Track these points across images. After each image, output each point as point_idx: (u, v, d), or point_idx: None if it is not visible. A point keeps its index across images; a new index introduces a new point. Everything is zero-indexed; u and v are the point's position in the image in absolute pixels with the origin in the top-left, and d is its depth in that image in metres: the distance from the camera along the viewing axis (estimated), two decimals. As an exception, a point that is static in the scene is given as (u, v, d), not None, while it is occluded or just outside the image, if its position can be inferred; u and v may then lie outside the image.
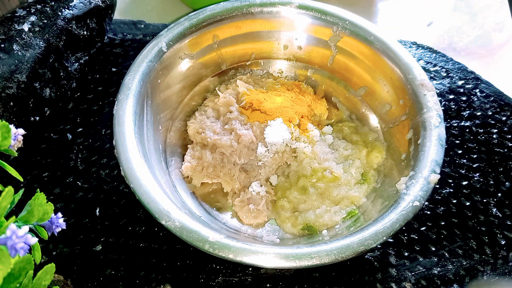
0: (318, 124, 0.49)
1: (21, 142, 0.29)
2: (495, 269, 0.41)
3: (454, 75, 0.55)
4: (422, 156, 0.38)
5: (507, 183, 0.46)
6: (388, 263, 0.41)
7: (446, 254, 0.42)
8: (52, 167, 0.46)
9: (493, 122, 0.50)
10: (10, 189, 0.24)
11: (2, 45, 0.43)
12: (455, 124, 0.50)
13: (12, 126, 0.27)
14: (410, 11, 0.67)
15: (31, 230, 0.26)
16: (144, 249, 0.41)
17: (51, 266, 0.27)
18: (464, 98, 0.53)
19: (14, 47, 0.43)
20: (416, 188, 0.36)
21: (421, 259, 0.41)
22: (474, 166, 0.47)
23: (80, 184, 0.45)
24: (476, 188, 0.46)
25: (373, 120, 0.49)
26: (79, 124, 0.50)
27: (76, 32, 0.49)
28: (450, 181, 0.46)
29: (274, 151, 0.44)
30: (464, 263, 0.41)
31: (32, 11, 0.47)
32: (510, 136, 0.49)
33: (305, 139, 0.46)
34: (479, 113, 0.51)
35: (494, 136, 0.49)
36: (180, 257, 0.41)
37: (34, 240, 0.23)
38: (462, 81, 0.54)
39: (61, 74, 0.47)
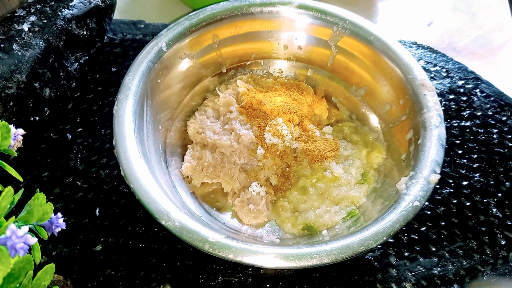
0: (318, 124, 0.49)
1: (21, 142, 0.29)
2: (495, 269, 0.41)
3: (454, 75, 0.55)
4: (422, 156, 0.38)
5: (507, 183, 0.46)
6: (388, 263, 0.41)
7: (446, 254, 0.42)
8: (52, 167, 0.46)
9: (493, 122, 0.50)
10: (10, 189, 0.24)
11: (2, 45, 0.43)
12: (455, 124, 0.50)
13: (12, 126, 0.27)
14: (410, 11, 0.67)
15: (31, 230, 0.26)
16: (144, 249, 0.41)
17: (51, 266, 0.27)
18: (464, 98, 0.53)
19: (14, 47, 0.43)
20: (416, 188, 0.36)
21: (421, 259, 0.41)
22: (474, 166, 0.47)
23: (80, 184, 0.45)
24: (476, 188, 0.46)
25: (373, 120, 0.49)
26: (79, 124, 0.50)
27: (76, 32, 0.49)
28: (450, 181, 0.46)
29: (274, 151, 0.44)
30: (464, 263, 0.41)
31: (32, 11, 0.47)
32: (510, 136, 0.49)
33: (305, 139, 0.46)
34: (479, 113, 0.51)
35: (494, 136, 0.49)
36: (180, 257, 0.41)
37: (33, 240, 0.23)
38: (462, 81, 0.54)
39: (61, 74, 0.47)
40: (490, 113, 0.51)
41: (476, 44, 0.63)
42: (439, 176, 0.37)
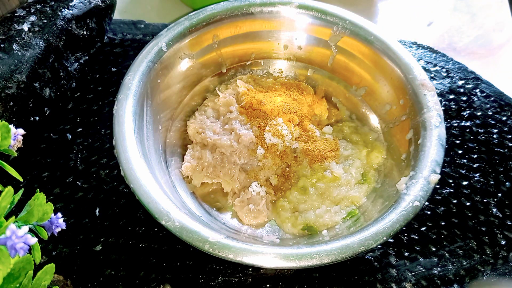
0: (318, 124, 0.49)
1: (21, 142, 0.29)
2: (495, 269, 0.41)
3: (454, 75, 0.55)
4: (422, 156, 0.38)
5: (507, 183, 0.46)
6: (388, 263, 0.41)
7: (446, 254, 0.42)
8: (52, 167, 0.46)
9: (493, 122, 0.50)
10: (10, 189, 0.24)
11: (2, 45, 0.43)
12: (455, 124, 0.50)
13: (12, 126, 0.27)
14: (410, 11, 0.67)
15: (31, 230, 0.26)
16: (144, 249, 0.41)
17: (51, 266, 0.27)
18: (464, 98, 0.53)
19: (14, 47, 0.43)
20: (416, 188, 0.36)
21: (421, 259, 0.41)
22: (474, 166, 0.47)
23: (80, 184, 0.45)
24: (476, 188, 0.46)
25: (373, 120, 0.49)
26: (79, 124, 0.50)
27: (76, 32, 0.49)
28: (450, 181, 0.46)
29: (274, 151, 0.44)
30: (464, 263, 0.41)
31: (32, 11, 0.47)
32: (510, 136, 0.49)
33: (306, 139, 0.46)
34: (479, 113, 0.51)
35: (494, 136, 0.49)
36: (180, 257, 0.41)
37: (33, 240, 0.23)
38: (462, 81, 0.54)
39: (61, 74, 0.47)
40: (490, 113, 0.51)
41: (476, 44, 0.63)
42: (439, 176, 0.37)
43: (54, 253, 0.41)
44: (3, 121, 0.26)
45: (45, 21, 0.46)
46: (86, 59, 0.51)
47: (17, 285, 0.24)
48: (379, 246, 0.42)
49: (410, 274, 0.40)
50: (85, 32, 0.50)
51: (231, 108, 0.47)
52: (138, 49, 0.48)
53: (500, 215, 0.44)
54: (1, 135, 0.26)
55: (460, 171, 0.47)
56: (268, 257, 0.33)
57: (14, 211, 0.26)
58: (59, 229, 0.28)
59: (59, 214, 0.28)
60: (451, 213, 0.44)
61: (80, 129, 0.49)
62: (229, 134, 0.45)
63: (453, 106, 0.52)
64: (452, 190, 0.46)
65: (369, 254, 0.41)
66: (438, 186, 0.46)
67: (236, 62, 0.53)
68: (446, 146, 0.41)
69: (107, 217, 0.43)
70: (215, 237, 0.33)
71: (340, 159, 0.45)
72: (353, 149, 0.46)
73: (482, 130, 0.50)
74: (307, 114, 0.48)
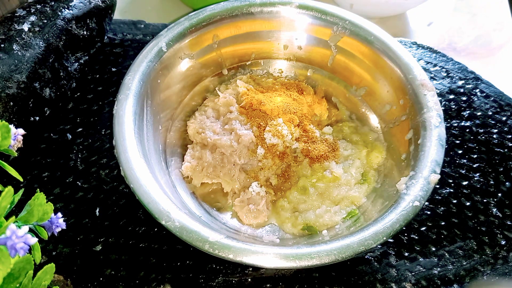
0: (318, 124, 0.49)
1: (21, 142, 0.29)
2: (495, 269, 0.41)
3: (454, 75, 0.55)
4: (422, 156, 0.38)
5: (507, 183, 0.46)
6: (388, 263, 0.41)
7: (446, 254, 0.42)
8: (52, 167, 0.46)
9: (493, 122, 0.50)
10: (10, 189, 0.24)
11: (2, 45, 0.43)
12: (455, 124, 0.50)
13: (12, 126, 0.27)
14: (410, 11, 0.67)
15: (31, 230, 0.26)
16: (144, 249, 0.41)
17: (51, 266, 0.27)
18: (464, 98, 0.53)
19: (14, 47, 0.43)
20: (416, 188, 0.36)
21: (421, 259, 0.41)
22: (474, 166, 0.47)
23: (80, 184, 0.45)
24: (476, 188, 0.46)
25: (373, 120, 0.49)
26: (79, 124, 0.50)
27: (76, 32, 0.49)
28: (450, 181, 0.46)
29: (274, 151, 0.44)
30: (464, 263, 0.41)
31: (32, 11, 0.47)
32: (510, 136, 0.49)
33: (305, 139, 0.46)
34: (479, 113, 0.51)
35: (494, 136, 0.49)
36: (180, 257, 0.41)
37: (34, 240, 0.23)
38: (462, 81, 0.54)
39: (61, 74, 0.47)
40: (490, 113, 0.51)
41: (476, 44, 0.63)
42: (439, 176, 0.37)
43: (54, 253, 0.41)
44: (3, 121, 0.26)
45: (45, 21, 0.46)
46: (86, 59, 0.51)
47: (17, 285, 0.24)
48: (379, 246, 0.42)
49: (410, 274, 0.40)
50: (85, 32, 0.50)
51: (231, 108, 0.47)
52: (138, 49, 0.48)
53: (500, 215, 0.44)
54: (1, 135, 0.26)
55: (460, 171, 0.47)
56: (268, 257, 0.33)
57: (14, 211, 0.26)
58: (59, 229, 0.28)
59: (59, 214, 0.28)
60: (451, 213, 0.44)
61: (80, 129, 0.49)
62: (229, 134, 0.45)
63: (453, 106, 0.52)
64: (452, 190, 0.46)
65: (369, 254, 0.41)
66: (438, 186, 0.46)
67: (236, 62, 0.53)
68: (446, 146, 0.41)
69: (107, 217, 0.43)
70: (215, 237, 0.33)
71: (340, 159, 0.45)
72: (353, 149, 0.46)
73: (482, 130, 0.50)
74: (307, 114, 0.48)
